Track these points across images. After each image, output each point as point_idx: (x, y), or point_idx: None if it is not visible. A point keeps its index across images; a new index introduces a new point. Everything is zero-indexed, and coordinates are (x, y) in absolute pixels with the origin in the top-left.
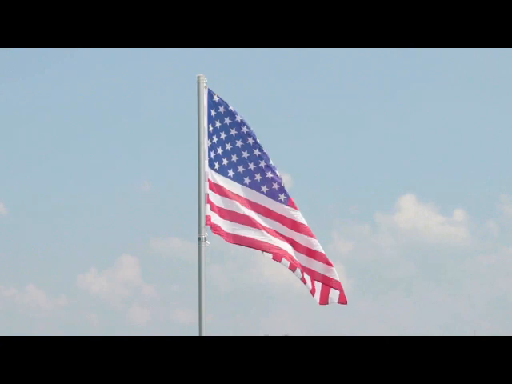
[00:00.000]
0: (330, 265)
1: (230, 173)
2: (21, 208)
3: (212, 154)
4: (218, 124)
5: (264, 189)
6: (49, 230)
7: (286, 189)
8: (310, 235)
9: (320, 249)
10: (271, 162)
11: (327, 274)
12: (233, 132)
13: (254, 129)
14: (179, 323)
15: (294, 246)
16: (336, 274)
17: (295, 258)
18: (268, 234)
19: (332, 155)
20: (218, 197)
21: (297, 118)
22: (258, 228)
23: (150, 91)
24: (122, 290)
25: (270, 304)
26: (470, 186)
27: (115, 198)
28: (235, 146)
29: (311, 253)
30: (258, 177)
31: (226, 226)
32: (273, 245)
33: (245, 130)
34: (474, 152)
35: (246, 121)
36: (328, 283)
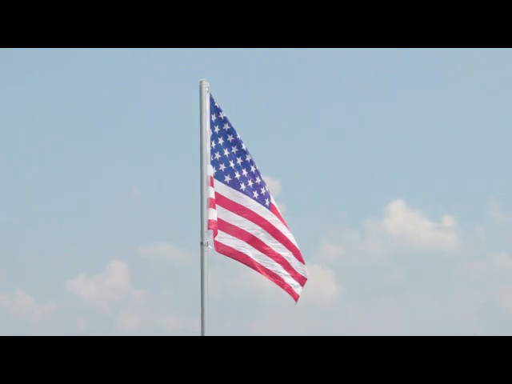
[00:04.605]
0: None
1: (227, 178)
2: (9, 214)
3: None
4: (216, 129)
5: (255, 194)
6: (38, 236)
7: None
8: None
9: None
10: (256, 168)
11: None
12: (220, 141)
13: (244, 133)
14: (168, 329)
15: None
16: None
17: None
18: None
19: (321, 161)
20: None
21: (286, 123)
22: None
23: (149, 93)
24: (111, 295)
25: (261, 309)
26: (459, 191)
27: (105, 203)
28: (223, 155)
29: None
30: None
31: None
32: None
33: (231, 138)
34: (463, 157)
35: (233, 129)
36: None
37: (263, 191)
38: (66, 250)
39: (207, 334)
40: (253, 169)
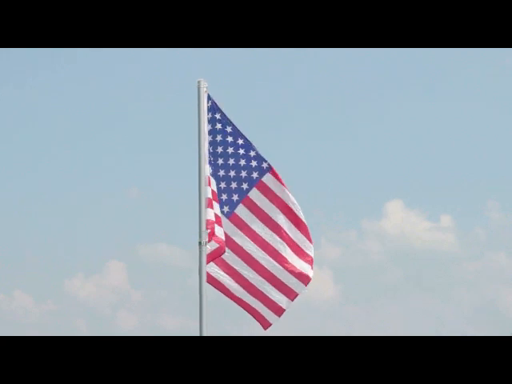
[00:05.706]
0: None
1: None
2: (8, 213)
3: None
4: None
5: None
6: (36, 235)
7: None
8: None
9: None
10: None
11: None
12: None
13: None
14: (167, 328)
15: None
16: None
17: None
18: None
19: (319, 161)
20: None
21: (285, 123)
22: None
23: (148, 93)
24: (109, 295)
25: None
26: (457, 191)
27: (104, 203)
28: (214, 151)
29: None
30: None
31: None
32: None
33: (219, 138)
34: (461, 157)
35: (231, 130)
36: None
37: (224, 197)
38: (65, 249)
39: (206, 334)
40: (222, 172)
